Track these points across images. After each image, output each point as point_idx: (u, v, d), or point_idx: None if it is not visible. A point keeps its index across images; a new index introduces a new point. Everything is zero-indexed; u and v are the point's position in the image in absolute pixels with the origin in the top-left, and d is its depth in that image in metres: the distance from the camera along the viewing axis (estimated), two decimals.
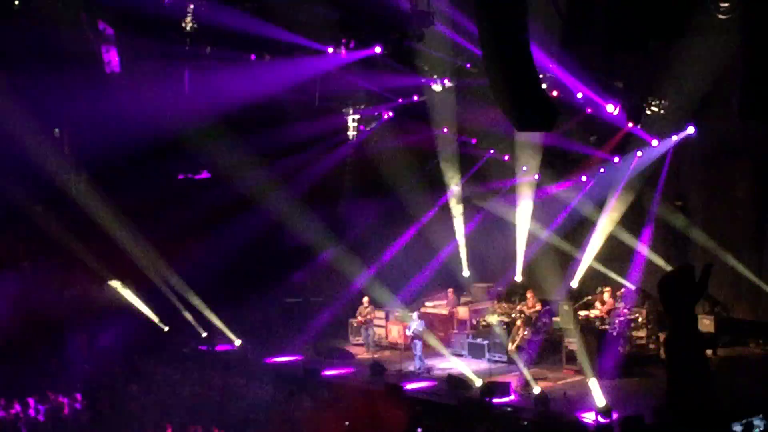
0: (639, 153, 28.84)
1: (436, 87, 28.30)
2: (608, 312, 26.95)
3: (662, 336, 26.65)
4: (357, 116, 32.28)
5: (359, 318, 30.29)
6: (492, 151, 32.62)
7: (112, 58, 26.15)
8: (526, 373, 24.46)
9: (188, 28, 25.49)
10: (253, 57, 26.95)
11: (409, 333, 27.45)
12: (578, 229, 30.83)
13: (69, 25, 25.61)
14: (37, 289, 29.27)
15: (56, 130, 31.49)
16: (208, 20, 24.98)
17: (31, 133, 27.44)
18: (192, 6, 24.50)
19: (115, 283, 30.83)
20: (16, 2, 24.68)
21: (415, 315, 27.91)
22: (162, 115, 27.71)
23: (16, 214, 28.59)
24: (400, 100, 31.07)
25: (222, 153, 30.23)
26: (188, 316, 30.98)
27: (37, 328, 28.44)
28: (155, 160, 29.91)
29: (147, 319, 31.21)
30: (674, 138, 27.91)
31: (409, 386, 24.91)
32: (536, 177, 31.75)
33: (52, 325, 29.10)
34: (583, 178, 30.83)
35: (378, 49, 24.98)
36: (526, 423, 21.69)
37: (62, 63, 26.29)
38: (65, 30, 25.59)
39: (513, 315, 28.01)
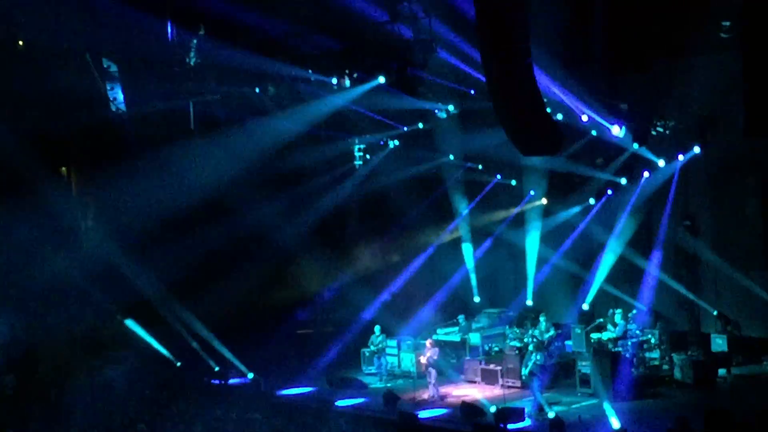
0: (646, 174, 28.84)
1: (441, 114, 28.39)
2: (620, 334, 26.86)
3: (675, 357, 26.63)
4: (362, 145, 32.38)
5: (371, 347, 30.24)
6: (499, 177, 32.63)
7: (117, 96, 26.29)
8: (540, 398, 24.36)
9: (192, 63, 25.65)
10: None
11: (423, 361, 27.37)
12: (588, 251, 30.74)
13: (73, 65, 25.82)
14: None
15: (63, 168, 31.60)
16: (211, 56, 25.15)
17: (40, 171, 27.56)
18: (195, 41, 24.65)
19: (128, 321, 30.76)
20: (20, 42, 24.83)
21: (428, 342, 27.84)
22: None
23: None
24: (405, 128, 31.17)
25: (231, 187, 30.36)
26: (200, 350, 30.90)
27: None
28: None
29: (158, 354, 31.12)
30: (681, 158, 27.92)
31: (424, 414, 24.80)
32: (544, 201, 31.79)
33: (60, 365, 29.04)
34: (591, 201, 30.80)
35: (382, 79, 25.09)
36: None
37: (68, 103, 26.49)
38: (70, 70, 25.78)
39: (525, 340, 27.95)
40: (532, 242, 31.72)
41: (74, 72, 26.25)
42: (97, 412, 26.74)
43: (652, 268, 29.17)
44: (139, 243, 29.52)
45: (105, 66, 25.88)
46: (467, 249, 33.74)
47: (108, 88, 26.07)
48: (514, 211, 32.56)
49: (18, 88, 26.63)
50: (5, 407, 26.69)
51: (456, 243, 33.98)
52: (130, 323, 30.56)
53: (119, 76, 26.06)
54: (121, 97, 26.08)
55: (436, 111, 28.67)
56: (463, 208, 33.56)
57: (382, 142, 32.75)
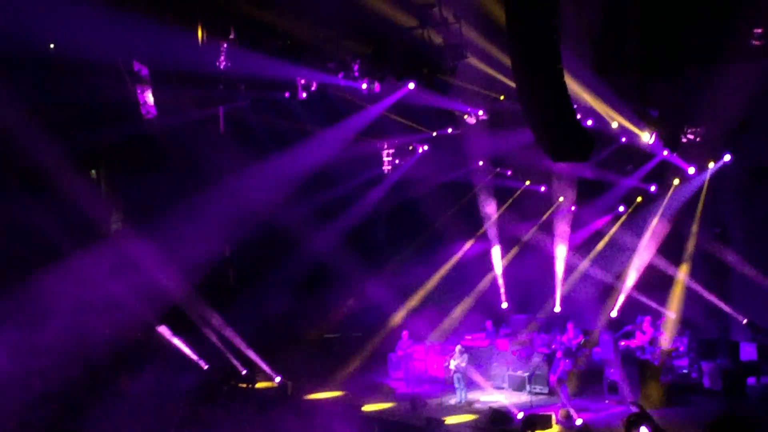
0: (676, 181, 28.74)
1: (470, 119, 28.38)
2: (649, 341, 26.76)
3: (704, 365, 26.50)
4: (391, 150, 32.41)
5: (399, 352, 30.27)
6: (528, 183, 32.58)
7: (147, 100, 26.40)
8: (568, 405, 24.31)
9: (222, 68, 25.73)
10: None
11: (452, 366, 27.36)
12: (617, 258, 30.67)
13: (105, 69, 25.96)
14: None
15: (93, 171, 31.76)
16: (241, 61, 25.23)
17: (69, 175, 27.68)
18: (225, 45, 24.73)
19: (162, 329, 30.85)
20: (52, 45, 24.97)
21: (457, 348, 27.83)
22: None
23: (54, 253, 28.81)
24: (434, 133, 31.19)
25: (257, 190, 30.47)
26: (228, 354, 30.97)
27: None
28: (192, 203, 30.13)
29: (186, 358, 31.20)
30: (711, 165, 27.80)
31: (450, 420, 24.79)
32: (573, 208, 31.72)
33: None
34: (621, 208, 30.72)
35: (411, 85, 25.12)
36: None
37: (99, 107, 26.66)
38: (101, 75, 25.92)
39: (554, 347, 27.91)
40: (561, 249, 31.66)
41: (105, 76, 26.40)
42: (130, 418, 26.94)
43: (682, 275, 29.05)
44: (167, 245, 29.66)
45: (136, 70, 25.98)
46: (496, 255, 33.69)
47: (138, 92, 26.17)
48: (543, 217, 32.49)
49: (49, 91, 26.82)
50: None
51: (485, 249, 33.93)
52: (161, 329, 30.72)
53: (150, 80, 26.15)
54: (151, 101, 26.18)
55: (466, 116, 28.65)
56: (491, 214, 33.52)
57: (410, 147, 32.77)
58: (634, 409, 14.68)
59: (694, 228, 28.98)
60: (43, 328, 28.04)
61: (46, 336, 28.25)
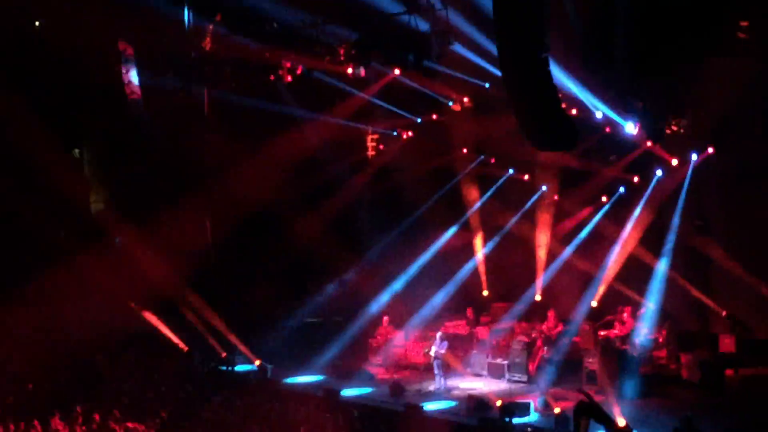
0: (659, 172, 28.77)
1: (455, 106, 28.37)
2: (628, 332, 26.85)
3: (683, 356, 26.59)
4: (376, 135, 32.42)
5: (379, 338, 30.29)
6: (511, 171, 32.56)
7: (132, 79, 26.28)
8: (547, 393, 24.38)
9: (208, 49, 25.68)
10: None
11: (431, 353, 27.40)
12: (598, 248, 30.69)
13: (90, 48, 25.89)
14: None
15: (76, 150, 31.70)
16: (227, 43, 25.19)
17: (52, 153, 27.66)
18: (212, 27, 24.67)
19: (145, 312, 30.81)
20: (36, 24, 24.90)
21: (438, 335, 27.88)
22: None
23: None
24: (419, 120, 31.18)
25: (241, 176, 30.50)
26: (209, 337, 30.97)
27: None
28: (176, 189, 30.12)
29: (167, 340, 31.18)
30: (695, 157, 27.83)
31: (429, 406, 24.83)
32: (555, 197, 31.73)
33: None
34: (603, 198, 30.74)
35: (397, 71, 25.11)
36: None
37: (83, 85, 26.59)
38: (86, 53, 25.86)
39: (533, 335, 27.99)
40: (543, 237, 31.67)
41: (90, 55, 26.32)
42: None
43: (662, 267, 29.11)
44: (148, 226, 29.66)
45: (121, 50, 25.86)
46: (477, 243, 33.69)
47: (123, 73, 26.06)
48: (526, 206, 32.44)
49: (34, 69, 26.74)
50: None
51: (466, 236, 33.92)
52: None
53: (135, 60, 26.03)
54: (136, 80, 26.07)
55: (451, 103, 28.65)
56: (474, 201, 33.51)
57: (395, 133, 32.76)
58: (582, 398, 14.60)
59: (676, 219, 29.00)
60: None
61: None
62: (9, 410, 25.09)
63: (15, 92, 27.15)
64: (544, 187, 31.73)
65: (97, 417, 24.46)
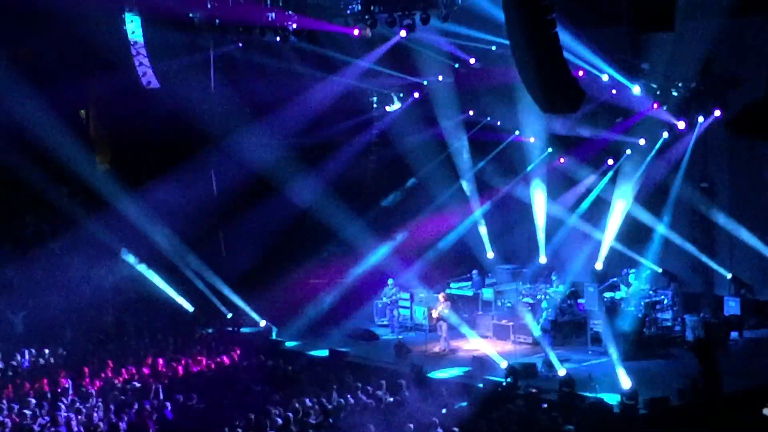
0: (665, 135, 28.68)
1: (461, 69, 28.35)
2: (633, 294, 26.91)
3: (688, 318, 26.68)
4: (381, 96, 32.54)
5: (384, 299, 30.36)
6: (517, 133, 32.43)
7: (140, 51, 26.20)
8: (552, 355, 24.45)
9: (212, 10, 25.62)
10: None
11: (436, 315, 27.46)
12: (603, 211, 30.64)
13: (96, 16, 25.87)
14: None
15: (82, 111, 31.66)
16: (231, 6, 25.18)
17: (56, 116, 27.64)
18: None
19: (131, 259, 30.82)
20: None
21: (441, 296, 27.93)
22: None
23: (40, 196, 28.83)
24: (425, 82, 31.17)
25: (245, 137, 30.50)
26: (213, 297, 31.03)
27: None
28: (181, 150, 30.08)
29: (172, 301, 31.23)
30: (701, 119, 27.73)
31: (437, 374, 24.79)
32: (562, 160, 31.63)
33: None
34: (610, 162, 30.64)
35: (403, 33, 25.08)
36: (551, 404, 21.61)
37: (90, 52, 26.60)
38: (92, 22, 25.84)
39: (538, 296, 28.05)
40: (545, 201, 31.54)
41: (96, 24, 26.28)
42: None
43: (668, 229, 29.12)
44: (149, 188, 29.68)
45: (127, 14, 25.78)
46: (475, 205, 33.48)
47: (131, 42, 25.99)
48: (529, 168, 32.26)
49: (41, 40, 26.70)
50: None
51: (470, 199, 33.76)
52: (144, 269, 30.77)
53: (142, 27, 25.92)
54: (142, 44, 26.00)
55: (457, 65, 28.60)
56: (476, 164, 33.42)
57: (401, 95, 32.71)
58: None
59: (679, 182, 28.95)
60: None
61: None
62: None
63: (20, 58, 27.20)
64: (549, 150, 31.61)
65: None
